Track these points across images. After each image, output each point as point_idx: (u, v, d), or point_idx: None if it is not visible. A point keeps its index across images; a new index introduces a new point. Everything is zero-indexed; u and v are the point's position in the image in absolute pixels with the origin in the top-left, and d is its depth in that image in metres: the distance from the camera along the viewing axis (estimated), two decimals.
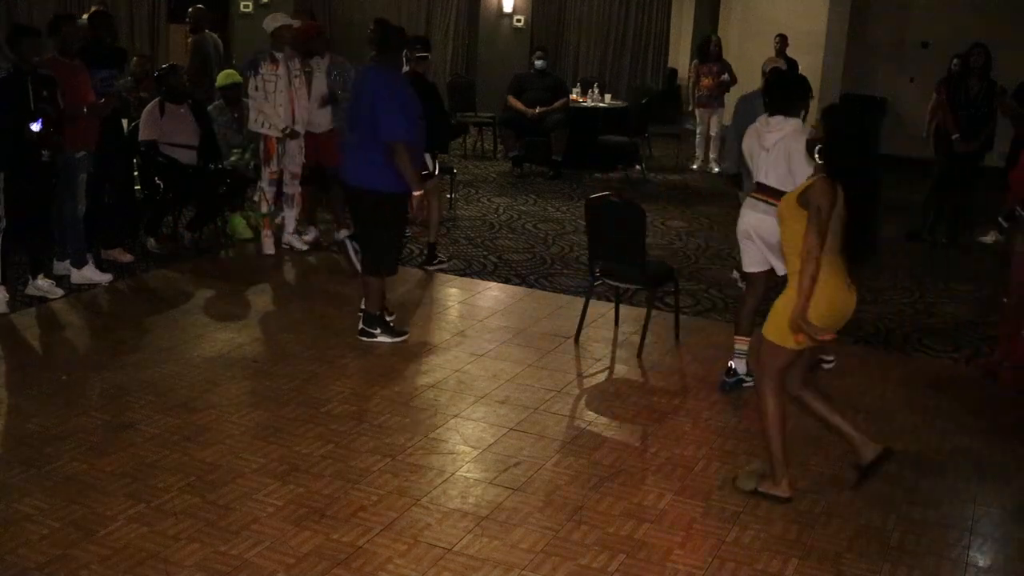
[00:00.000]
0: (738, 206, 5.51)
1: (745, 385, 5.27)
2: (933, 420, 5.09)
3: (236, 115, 7.90)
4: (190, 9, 10.57)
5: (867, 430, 4.87)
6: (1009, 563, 3.85)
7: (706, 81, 11.87)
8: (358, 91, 5.72)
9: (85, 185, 6.50)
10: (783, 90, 5.12)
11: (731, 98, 12.04)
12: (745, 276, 5.43)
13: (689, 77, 12.46)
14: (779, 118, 5.02)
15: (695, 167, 12.34)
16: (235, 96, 7.88)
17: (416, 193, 5.46)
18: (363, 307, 5.83)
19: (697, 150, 12.40)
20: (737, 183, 6.50)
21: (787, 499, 4.11)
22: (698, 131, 12.32)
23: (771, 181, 5.01)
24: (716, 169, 12.00)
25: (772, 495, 4.12)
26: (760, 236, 5.09)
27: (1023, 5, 12.41)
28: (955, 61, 9.32)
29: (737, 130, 6.10)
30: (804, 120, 5.17)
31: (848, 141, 3.84)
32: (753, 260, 5.23)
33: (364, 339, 5.75)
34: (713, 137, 12.14)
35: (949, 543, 3.90)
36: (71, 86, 6.24)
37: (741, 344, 5.31)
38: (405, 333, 5.83)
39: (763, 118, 5.12)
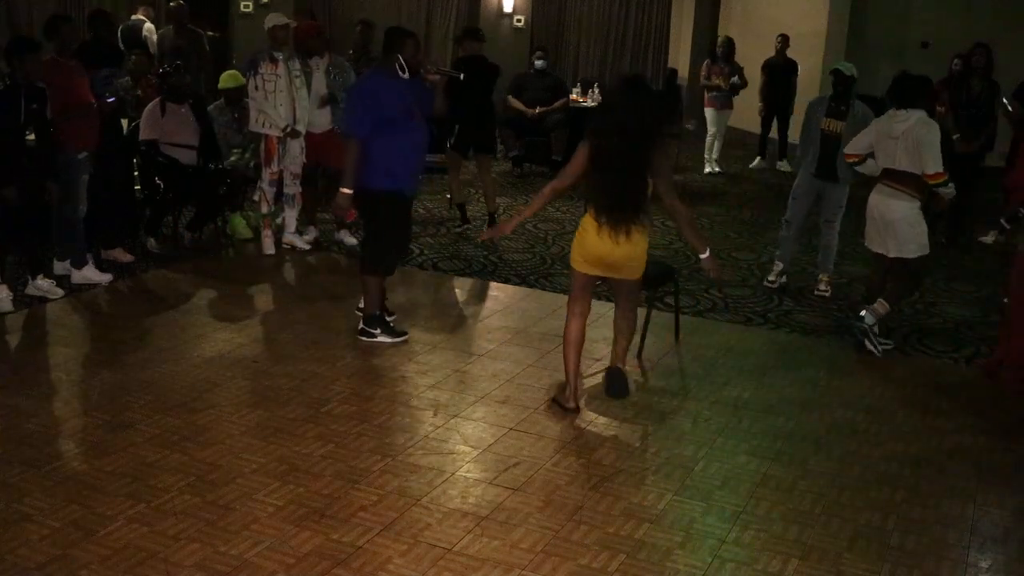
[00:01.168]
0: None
1: (878, 347, 5.91)
2: (933, 420, 5.09)
3: (236, 115, 7.91)
4: (171, 4, 10.29)
5: (866, 430, 4.91)
6: (1009, 563, 3.85)
7: (718, 82, 11.82)
8: None
9: (86, 186, 6.49)
10: (908, 89, 5.83)
11: (739, 100, 12.04)
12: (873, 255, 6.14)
13: (700, 75, 12.31)
14: (904, 111, 5.75)
15: (707, 171, 12.00)
16: (236, 96, 7.88)
17: (343, 191, 5.51)
18: (361, 306, 5.84)
19: (707, 153, 12.09)
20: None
21: (574, 409, 4.87)
22: (709, 133, 12.03)
23: (902, 165, 5.73)
24: (714, 169, 11.99)
25: (559, 403, 4.92)
26: (881, 216, 5.84)
27: (1023, 5, 12.41)
28: (956, 61, 9.31)
29: (807, 132, 7.03)
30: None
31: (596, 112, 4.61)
32: (873, 241, 6.04)
33: (364, 339, 5.75)
34: (715, 135, 12.03)
35: (949, 543, 3.90)
36: (70, 87, 6.23)
37: (879, 307, 5.92)
38: (405, 334, 5.82)
39: (891, 111, 5.84)
